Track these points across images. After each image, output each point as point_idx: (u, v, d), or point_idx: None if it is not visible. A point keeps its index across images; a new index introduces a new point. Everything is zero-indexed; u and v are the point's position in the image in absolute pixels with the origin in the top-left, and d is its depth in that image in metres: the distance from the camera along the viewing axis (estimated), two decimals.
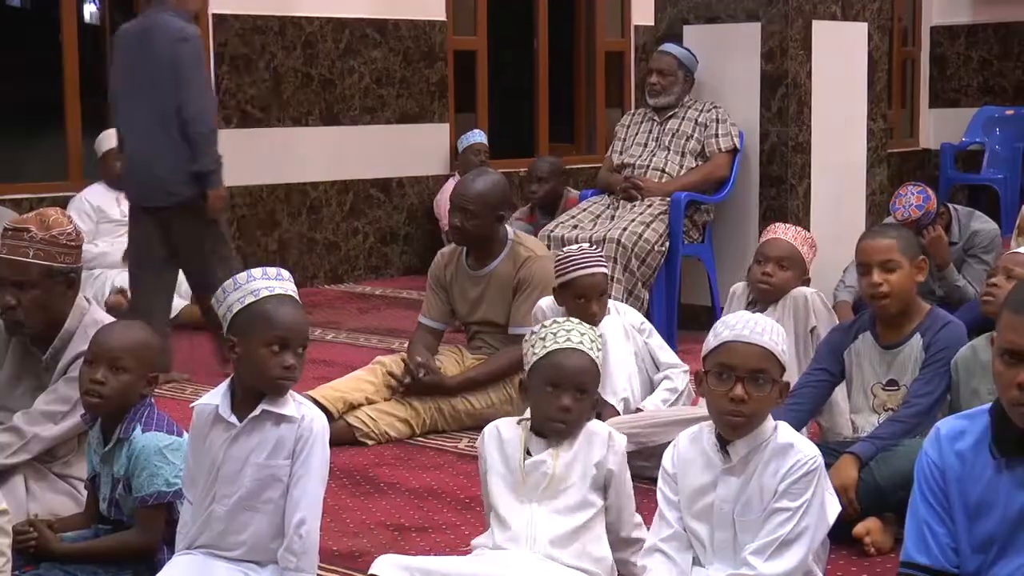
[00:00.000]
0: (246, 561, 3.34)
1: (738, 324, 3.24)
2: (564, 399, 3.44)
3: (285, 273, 3.40)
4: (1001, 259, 4.55)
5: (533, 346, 3.54)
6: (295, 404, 3.35)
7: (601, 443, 3.48)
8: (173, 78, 6.16)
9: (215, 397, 3.37)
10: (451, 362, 5.69)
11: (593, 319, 5.00)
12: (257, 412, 3.30)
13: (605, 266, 5.16)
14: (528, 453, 3.48)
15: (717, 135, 7.32)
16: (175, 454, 3.55)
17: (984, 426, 2.76)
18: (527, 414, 3.59)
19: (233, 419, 3.32)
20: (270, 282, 3.33)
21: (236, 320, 3.30)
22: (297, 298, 3.38)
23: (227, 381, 3.39)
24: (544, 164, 8.49)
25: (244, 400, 3.34)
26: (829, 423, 4.73)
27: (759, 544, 3.18)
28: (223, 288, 3.35)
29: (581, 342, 3.52)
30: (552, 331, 3.53)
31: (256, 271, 3.35)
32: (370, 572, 3.34)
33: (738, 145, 7.36)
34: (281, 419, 3.31)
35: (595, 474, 3.45)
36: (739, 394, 3.19)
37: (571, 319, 3.66)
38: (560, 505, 3.43)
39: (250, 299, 3.29)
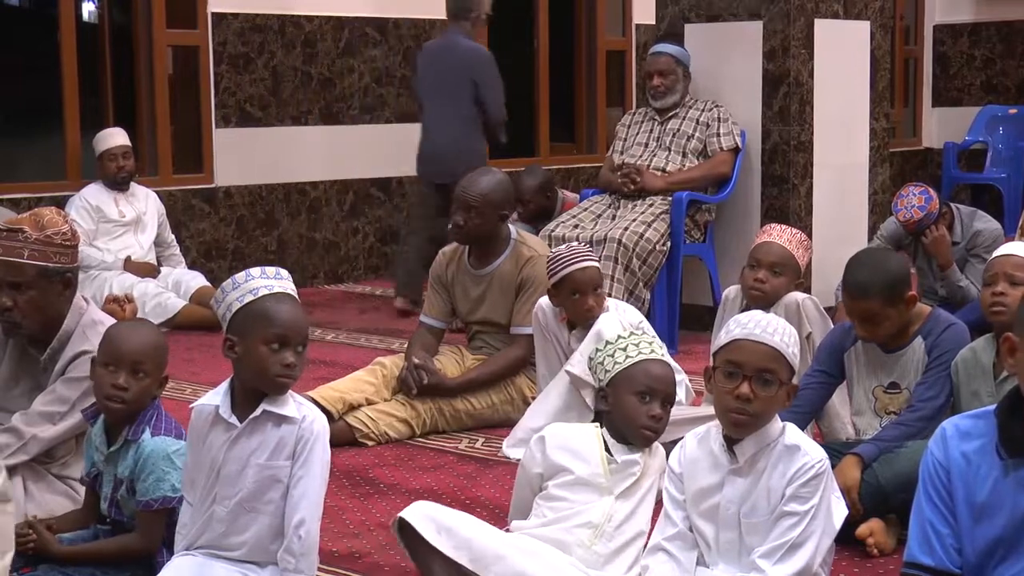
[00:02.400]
0: (246, 562, 3.32)
1: (750, 323, 3.23)
2: (656, 408, 3.56)
3: (284, 272, 3.38)
4: (995, 264, 4.37)
5: (613, 356, 3.64)
6: (295, 404, 3.33)
7: (663, 459, 3.58)
8: (473, 85, 7.98)
9: (215, 397, 3.35)
10: (451, 362, 5.67)
11: (590, 313, 5.00)
12: (258, 413, 3.28)
13: (596, 260, 5.16)
14: (608, 453, 3.57)
15: (719, 134, 7.30)
16: (182, 459, 3.53)
17: (991, 427, 2.73)
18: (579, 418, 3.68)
19: (233, 420, 3.30)
20: (269, 281, 3.31)
21: (235, 319, 3.28)
22: (296, 297, 3.36)
23: (227, 382, 3.37)
24: (528, 182, 8.23)
25: (244, 400, 3.31)
26: (827, 428, 4.71)
27: (768, 548, 3.16)
28: (222, 288, 3.34)
29: (664, 354, 3.69)
30: (633, 342, 3.66)
31: (255, 270, 3.34)
32: (400, 514, 3.35)
33: (740, 144, 7.34)
34: (282, 420, 3.29)
35: (658, 487, 3.57)
36: (745, 392, 3.18)
37: (644, 331, 3.76)
38: (633, 505, 3.52)
39: (249, 297, 3.27)
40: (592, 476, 3.53)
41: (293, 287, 3.37)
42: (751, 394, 3.17)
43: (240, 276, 3.32)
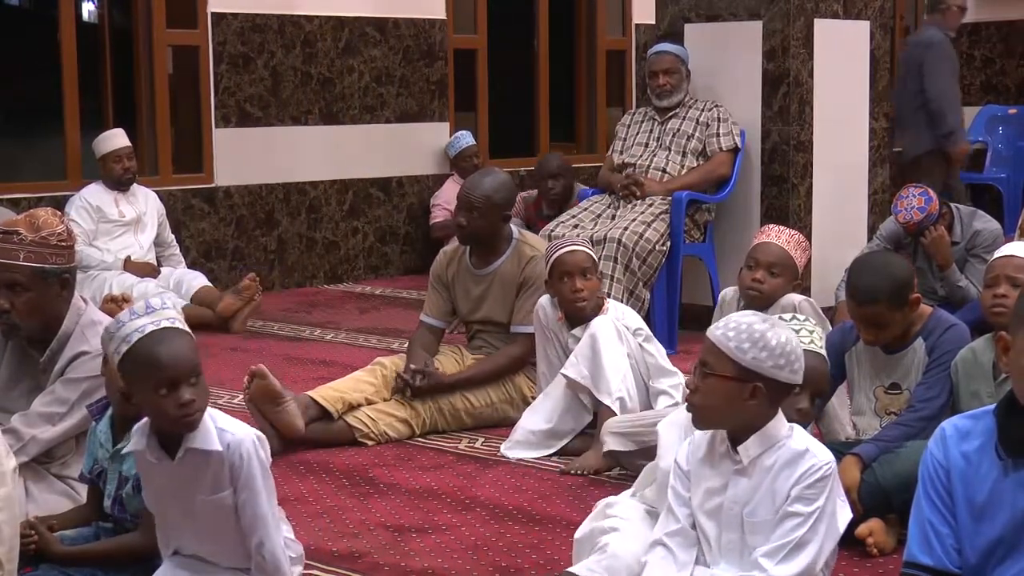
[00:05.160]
0: (235, 569, 3.35)
1: (720, 322, 3.27)
2: (803, 401, 3.49)
3: (157, 301, 3.26)
4: (996, 266, 4.38)
5: None
6: (217, 432, 3.22)
7: None
8: (919, 72, 9.15)
9: (139, 441, 3.26)
10: (451, 362, 5.67)
11: (579, 295, 5.04)
12: (181, 453, 3.20)
13: (588, 248, 5.22)
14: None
15: (718, 134, 7.30)
16: None
17: (990, 427, 2.73)
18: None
19: (165, 459, 3.24)
20: (140, 320, 3.18)
21: (123, 367, 3.20)
22: (179, 325, 3.22)
23: (144, 422, 3.27)
24: (555, 160, 8.65)
25: (169, 436, 3.23)
26: (827, 429, 4.70)
27: (771, 547, 3.15)
28: (102, 340, 3.28)
29: (822, 346, 3.67)
30: (795, 327, 3.58)
31: (124, 314, 3.22)
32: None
33: (739, 144, 7.34)
34: (207, 455, 3.20)
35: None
36: (690, 382, 3.31)
37: (809, 319, 3.74)
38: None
39: (124, 347, 3.17)
40: None
41: (174, 315, 3.23)
42: (693, 384, 3.25)
43: (112, 325, 3.23)
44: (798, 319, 3.74)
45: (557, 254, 5.13)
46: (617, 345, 5.04)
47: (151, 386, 3.13)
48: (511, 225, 5.73)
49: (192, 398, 3.14)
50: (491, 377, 5.60)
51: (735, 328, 3.19)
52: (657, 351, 5.18)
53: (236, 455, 3.21)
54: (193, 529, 3.31)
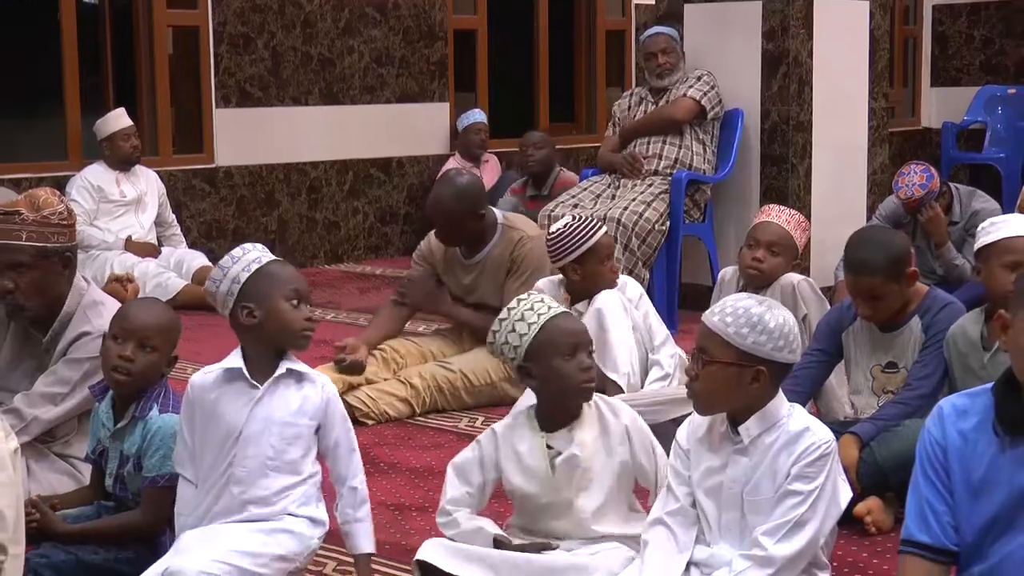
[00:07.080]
0: (258, 521, 3.38)
1: (715, 306, 3.25)
2: (586, 359, 3.44)
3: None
4: (1007, 253, 4.04)
5: (514, 329, 3.46)
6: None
7: (628, 418, 3.51)
8: None
9: (232, 361, 3.41)
10: (448, 344, 5.74)
11: (616, 276, 5.02)
12: (282, 371, 3.38)
13: None
14: (549, 447, 3.47)
15: (689, 85, 7.31)
16: None
17: (987, 404, 2.75)
18: (517, 409, 3.62)
19: (255, 382, 3.38)
20: (262, 253, 3.44)
21: (246, 287, 3.37)
22: None
23: (236, 351, 3.44)
24: (535, 134, 8.80)
25: (260, 365, 3.39)
26: (825, 408, 4.71)
27: (771, 526, 3.16)
28: (220, 266, 3.42)
29: (562, 309, 3.53)
30: (525, 307, 3.49)
31: (247, 245, 3.47)
32: (417, 558, 3.38)
33: (703, 103, 7.29)
34: (303, 378, 3.41)
35: (622, 451, 3.48)
36: (689, 368, 3.25)
37: (533, 292, 3.64)
38: (596, 488, 3.47)
39: (255, 266, 3.39)
40: (535, 480, 3.48)
41: None
42: (693, 371, 3.21)
43: (237, 252, 3.44)
44: (527, 297, 3.57)
45: (596, 237, 4.99)
46: (623, 319, 5.03)
47: (282, 296, 3.36)
48: (493, 209, 5.73)
49: (313, 317, 3.41)
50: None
51: (732, 312, 3.17)
52: (658, 324, 5.18)
53: (329, 393, 3.44)
54: (254, 463, 3.35)
